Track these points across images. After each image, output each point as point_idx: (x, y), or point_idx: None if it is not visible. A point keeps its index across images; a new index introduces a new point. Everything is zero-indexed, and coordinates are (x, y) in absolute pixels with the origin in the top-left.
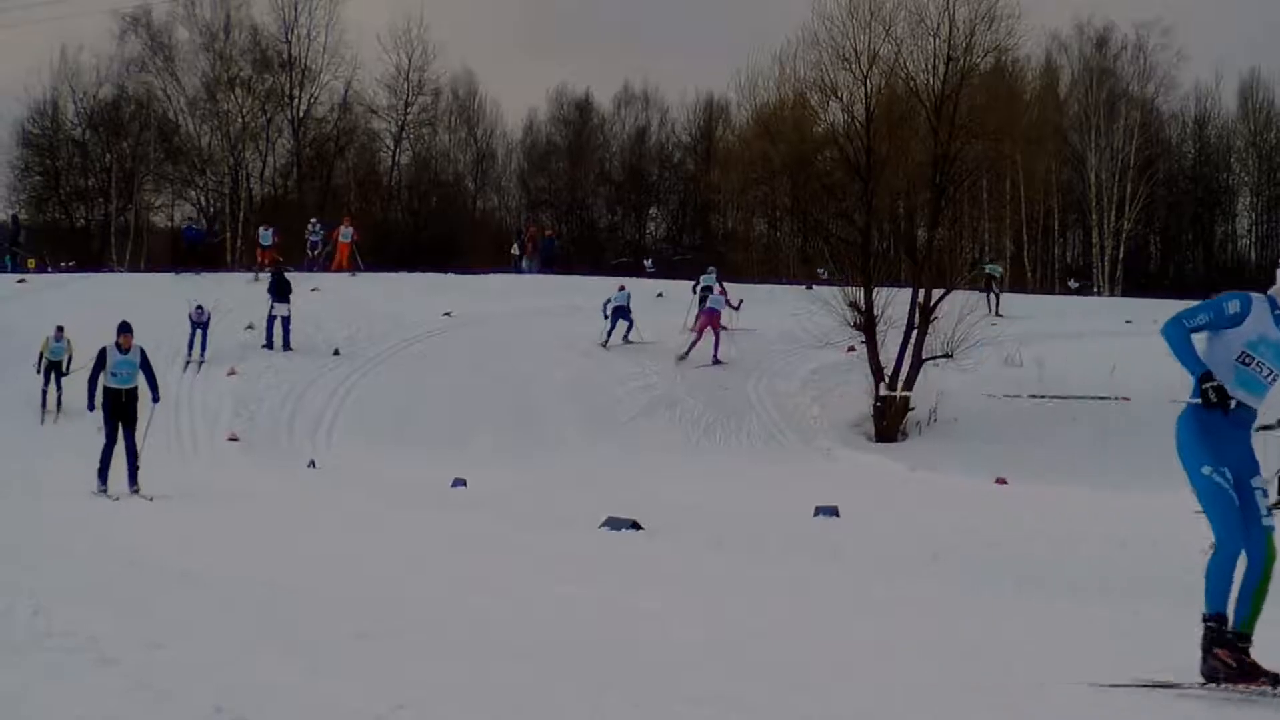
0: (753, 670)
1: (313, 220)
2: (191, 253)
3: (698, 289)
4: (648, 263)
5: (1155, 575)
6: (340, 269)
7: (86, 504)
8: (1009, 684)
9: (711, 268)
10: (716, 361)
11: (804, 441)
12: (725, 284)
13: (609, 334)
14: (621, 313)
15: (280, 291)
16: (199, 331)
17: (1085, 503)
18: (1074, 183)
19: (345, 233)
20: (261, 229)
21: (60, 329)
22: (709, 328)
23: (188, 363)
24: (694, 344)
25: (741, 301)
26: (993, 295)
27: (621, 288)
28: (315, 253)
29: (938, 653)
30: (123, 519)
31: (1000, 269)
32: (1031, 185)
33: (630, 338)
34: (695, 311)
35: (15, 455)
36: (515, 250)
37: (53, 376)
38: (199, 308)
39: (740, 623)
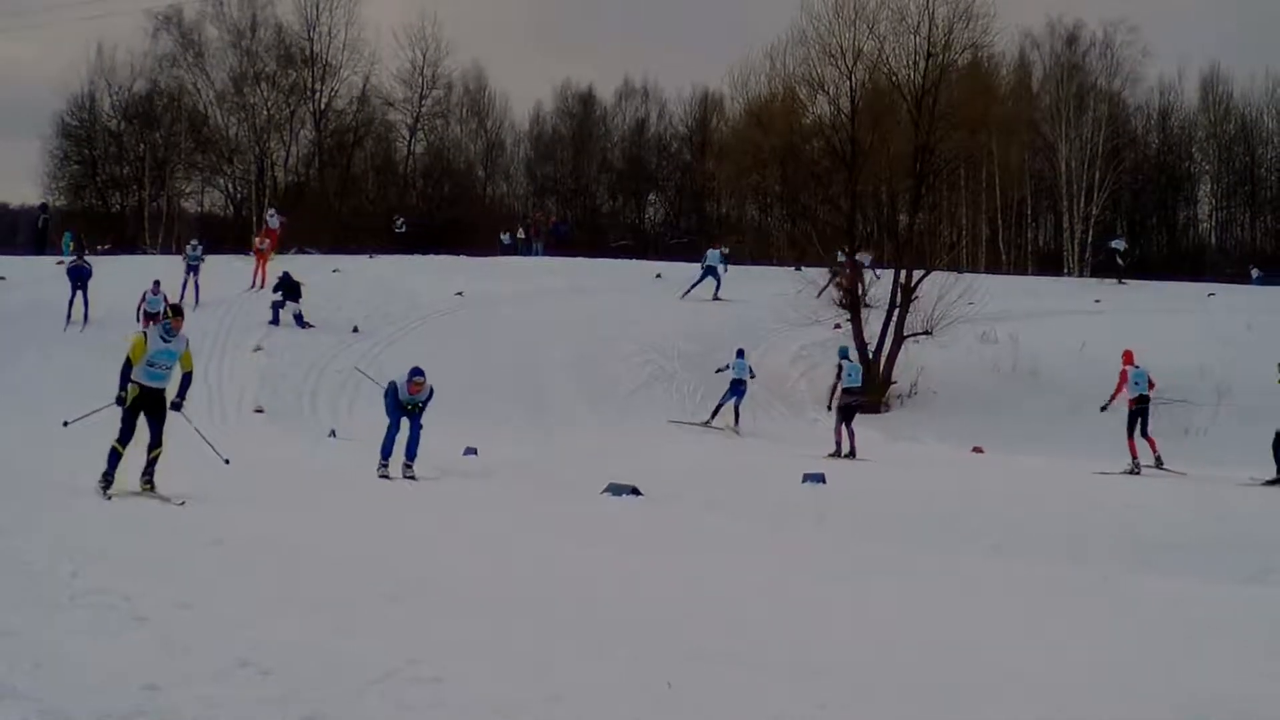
0: (746, 626)
1: (271, 210)
2: None
3: (704, 267)
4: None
5: (1120, 539)
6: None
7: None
8: (984, 640)
9: (720, 248)
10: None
11: (793, 413)
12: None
13: (693, 287)
14: (711, 271)
15: (290, 293)
16: (191, 274)
17: (1056, 470)
18: (1045, 171)
19: (272, 219)
20: (269, 213)
21: (156, 283)
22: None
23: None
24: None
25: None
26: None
27: (715, 246)
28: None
29: (917, 610)
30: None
31: (1124, 243)
32: (1006, 173)
33: (720, 295)
34: (695, 287)
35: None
36: (520, 235)
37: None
38: (194, 244)
39: (734, 581)
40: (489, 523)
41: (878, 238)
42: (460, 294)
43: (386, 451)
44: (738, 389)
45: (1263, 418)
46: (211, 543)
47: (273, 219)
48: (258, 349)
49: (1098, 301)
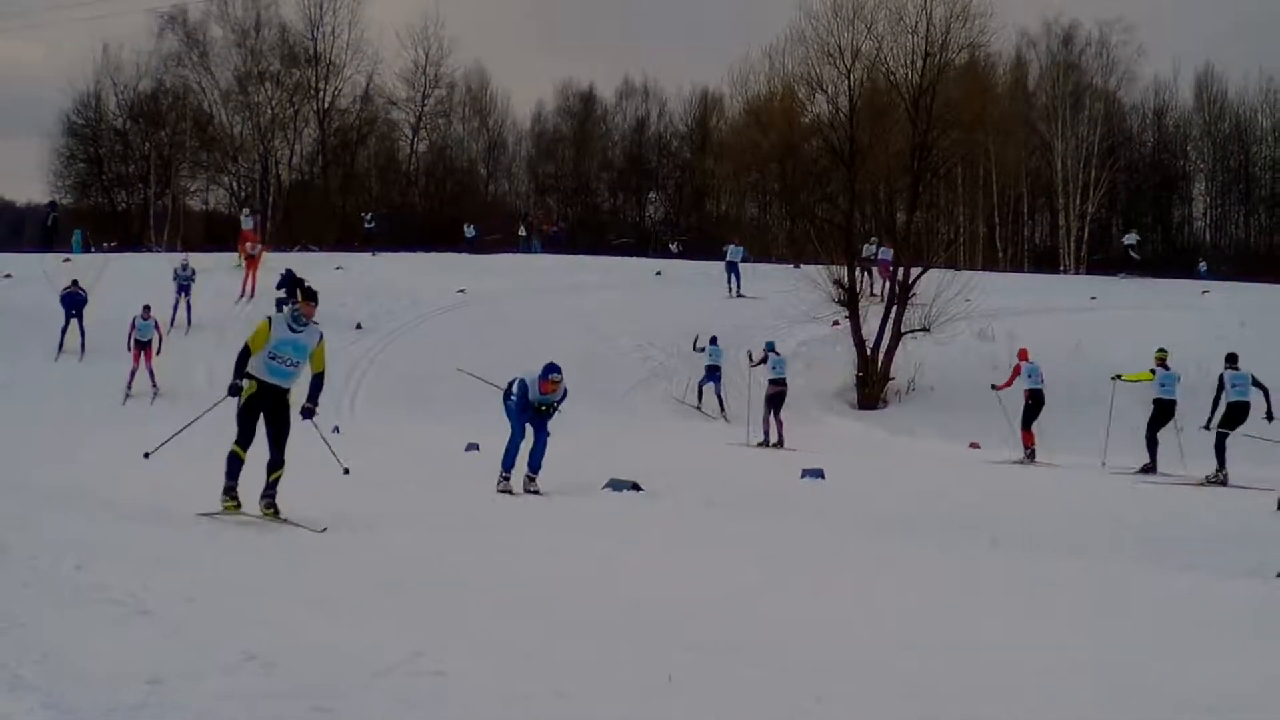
0: (746, 620)
1: (245, 210)
2: None
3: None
4: (675, 246)
5: (1119, 534)
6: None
7: (125, 469)
8: (983, 635)
9: (736, 245)
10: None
11: (792, 409)
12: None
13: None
14: (732, 268)
15: (294, 290)
16: (183, 294)
17: (1053, 467)
18: (1042, 169)
19: (246, 221)
20: (244, 214)
21: (147, 308)
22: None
23: (171, 327)
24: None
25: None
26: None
27: (737, 243)
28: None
29: (915, 605)
30: (158, 481)
31: (1138, 237)
32: (1003, 172)
33: (742, 292)
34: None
35: (69, 426)
36: (522, 232)
37: (141, 358)
38: (184, 263)
39: (734, 576)
40: (491, 517)
41: (876, 235)
42: (462, 291)
43: (509, 462)
44: (713, 374)
45: (1261, 410)
46: (210, 536)
47: (247, 220)
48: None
49: (1093, 299)
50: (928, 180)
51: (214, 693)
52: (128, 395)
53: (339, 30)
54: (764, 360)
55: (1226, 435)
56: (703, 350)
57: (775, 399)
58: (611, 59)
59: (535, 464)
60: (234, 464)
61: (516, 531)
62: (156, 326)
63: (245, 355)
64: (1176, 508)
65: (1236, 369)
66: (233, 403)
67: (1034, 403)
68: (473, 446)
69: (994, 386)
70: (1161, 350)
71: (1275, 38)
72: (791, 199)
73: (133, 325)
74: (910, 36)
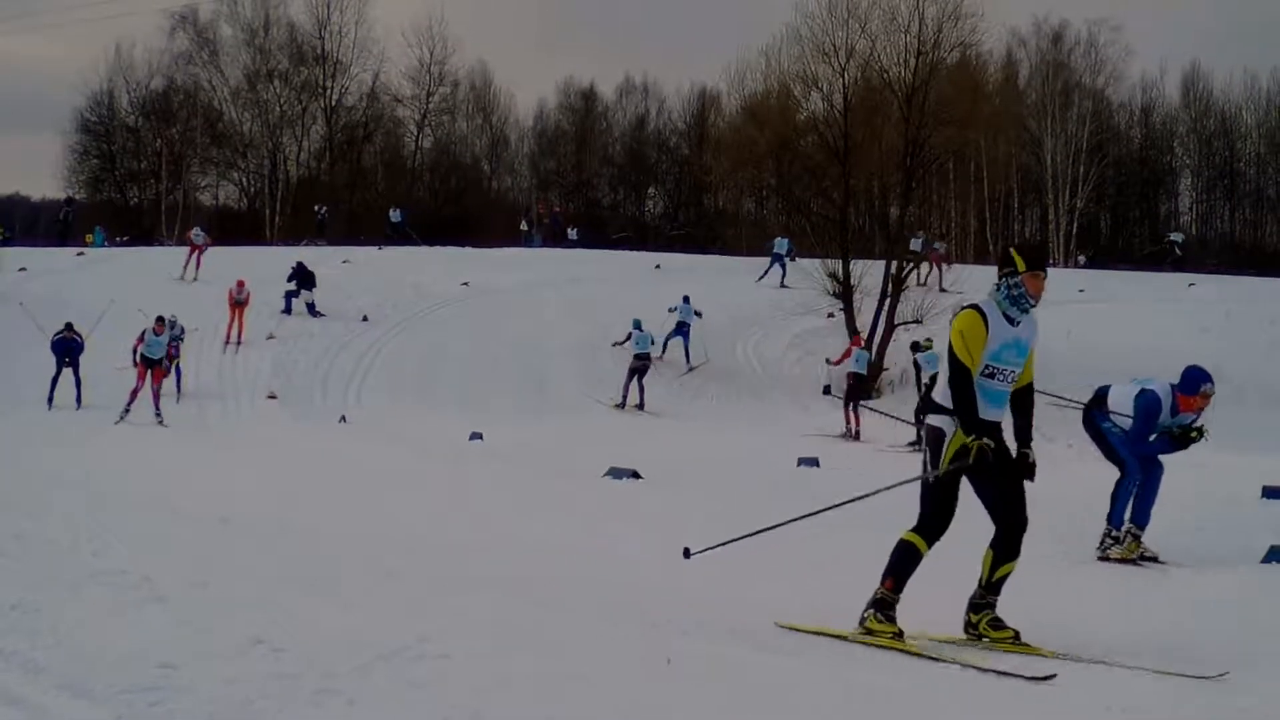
0: (744, 604)
1: (197, 229)
2: None
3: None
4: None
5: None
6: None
7: (138, 459)
8: (955, 614)
9: (783, 238)
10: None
11: (788, 399)
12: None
13: (766, 274)
14: (778, 259)
15: (305, 282)
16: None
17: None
18: (1032, 165)
19: (197, 235)
20: (194, 231)
21: (161, 321)
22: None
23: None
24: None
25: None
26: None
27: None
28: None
29: (911, 592)
30: (171, 469)
31: (1182, 235)
32: (993, 168)
33: (785, 283)
34: (767, 274)
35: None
36: (524, 227)
37: (148, 377)
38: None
39: (731, 561)
40: (495, 504)
41: (869, 230)
42: (466, 284)
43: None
44: (682, 329)
45: (1247, 400)
46: (221, 522)
47: (198, 236)
48: (270, 337)
49: (1082, 291)
50: (920, 176)
51: (224, 675)
52: (124, 416)
53: (346, 30)
54: (628, 338)
55: None
56: (674, 310)
57: (639, 370)
58: (612, 58)
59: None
60: (905, 568)
61: (519, 519)
62: (173, 347)
63: (960, 383)
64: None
65: None
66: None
67: (856, 384)
68: (476, 436)
69: (828, 360)
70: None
71: (1259, 37)
72: (787, 194)
73: (141, 338)
74: (903, 36)
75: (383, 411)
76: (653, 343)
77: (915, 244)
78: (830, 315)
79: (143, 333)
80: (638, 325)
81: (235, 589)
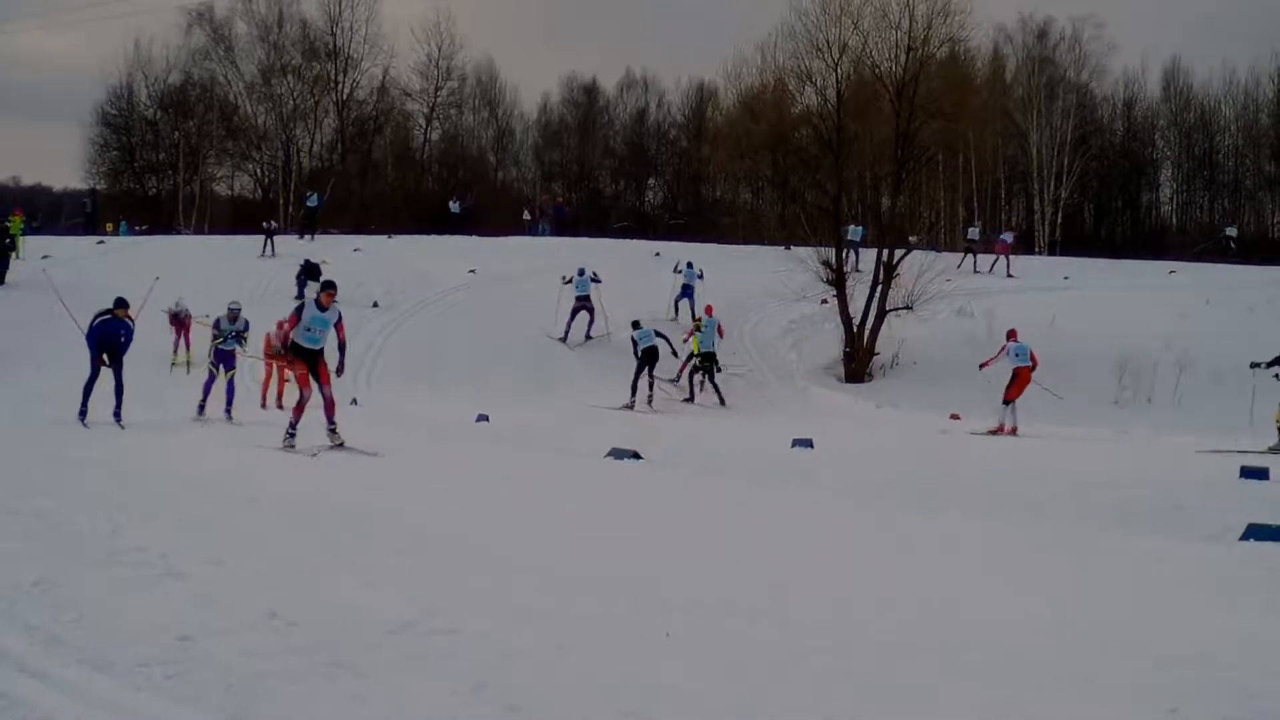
0: (740, 580)
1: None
2: None
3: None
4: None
5: (1086, 500)
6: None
7: (156, 437)
8: (957, 598)
9: (856, 225)
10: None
11: (783, 382)
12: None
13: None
14: (852, 245)
15: (311, 275)
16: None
17: (1027, 436)
18: (1018, 157)
19: (179, 306)
20: (178, 300)
21: (236, 310)
22: None
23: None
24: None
25: None
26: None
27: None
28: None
29: (897, 566)
30: (186, 450)
31: (1235, 230)
32: (981, 159)
33: (859, 267)
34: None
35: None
36: (527, 216)
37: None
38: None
39: (728, 539)
40: (500, 484)
41: (862, 219)
42: (473, 272)
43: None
44: (687, 291)
45: (1226, 384)
46: (246, 501)
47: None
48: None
49: (1066, 278)
50: (910, 167)
51: (239, 648)
52: (200, 414)
53: (357, 26)
54: (570, 280)
55: None
56: (679, 272)
57: (647, 364)
58: (613, 53)
59: None
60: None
61: (524, 498)
62: (238, 336)
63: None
64: (1143, 475)
65: None
66: None
67: (706, 362)
68: (483, 418)
69: (687, 335)
70: None
71: (1237, 33)
72: (782, 185)
73: (216, 329)
74: (894, 32)
75: (393, 394)
76: (657, 335)
77: (972, 233)
78: (824, 301)
79: (217, 322)
80: (636, 325)
81: (250, 566)
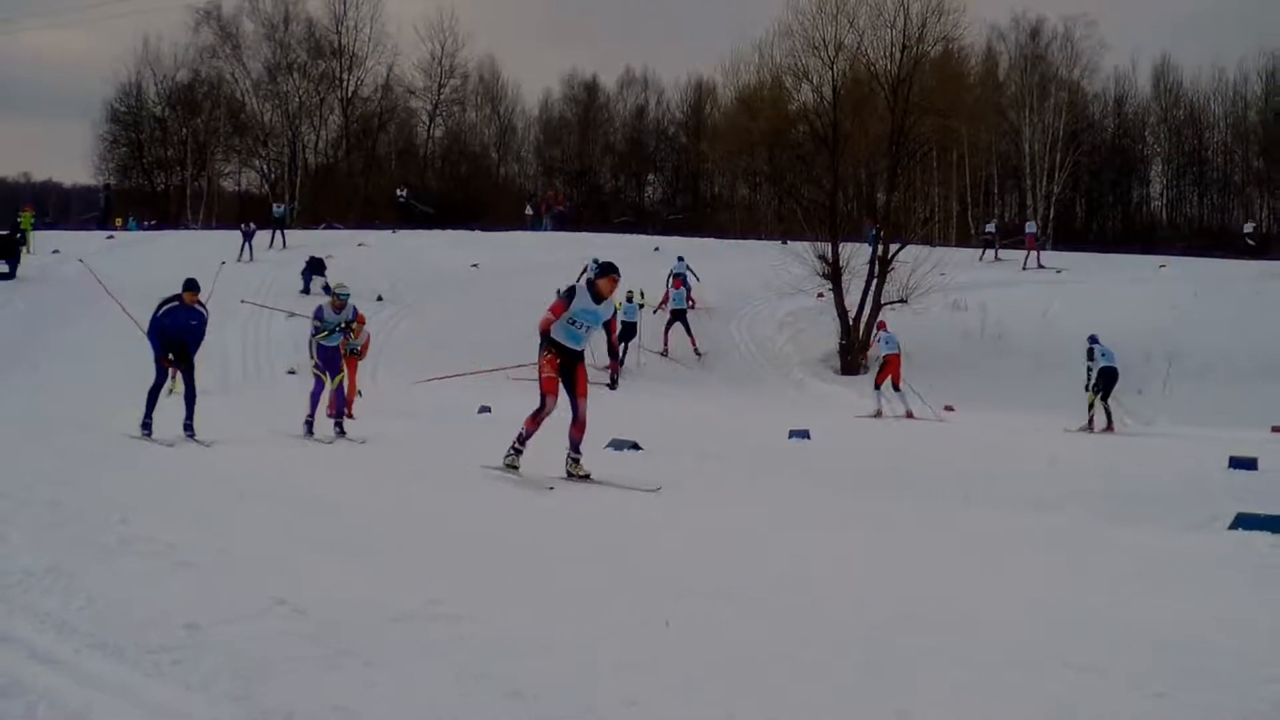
0: (736, 568)
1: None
2: None
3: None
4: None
5: (1078, 489)
6: None
7: (163, 429)
8: (948, 586)
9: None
10: None
11: (780, 375)
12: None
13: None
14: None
15: (316, 269)
16: (247, 242)
17: (1021, 426)
18: (1011, 153)
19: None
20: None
21: (343, 297)
22: None
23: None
24: None
25: None
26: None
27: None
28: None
29: (889, 555)
30: (195, 442)
31: (1254, 225)
32: (975, 155)
33: None
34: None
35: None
36: (529, 212)
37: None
38: (248, 223)
39: (725, 529)
40: (501, 475)
41: (857, 215)
42: (476, 266)
43: None
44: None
45: (1214, 375)
46: (240, 495)
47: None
48: (291, 315)
49: (1059, 272)
50: (905, 163)
51: (247, 635)
52: (309, 431)
53: (361, 24)
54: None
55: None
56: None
57: (625, 337)
58: (613, 51)
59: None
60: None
61: (526, 489)
62: (346, 328)
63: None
64: (1134, 466)
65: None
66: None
67: (624, 334)
68: (485, 409)
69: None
70: None
71: (1226, 31)
72: (779, 181)
73: (318, 320)
74: (889, 30)
75: (397, 385)
76: (641, 308)
77: (989, 227)
78: (820, 295)
79: (318, 311)
80: (629, 298)
81: (257, 553)
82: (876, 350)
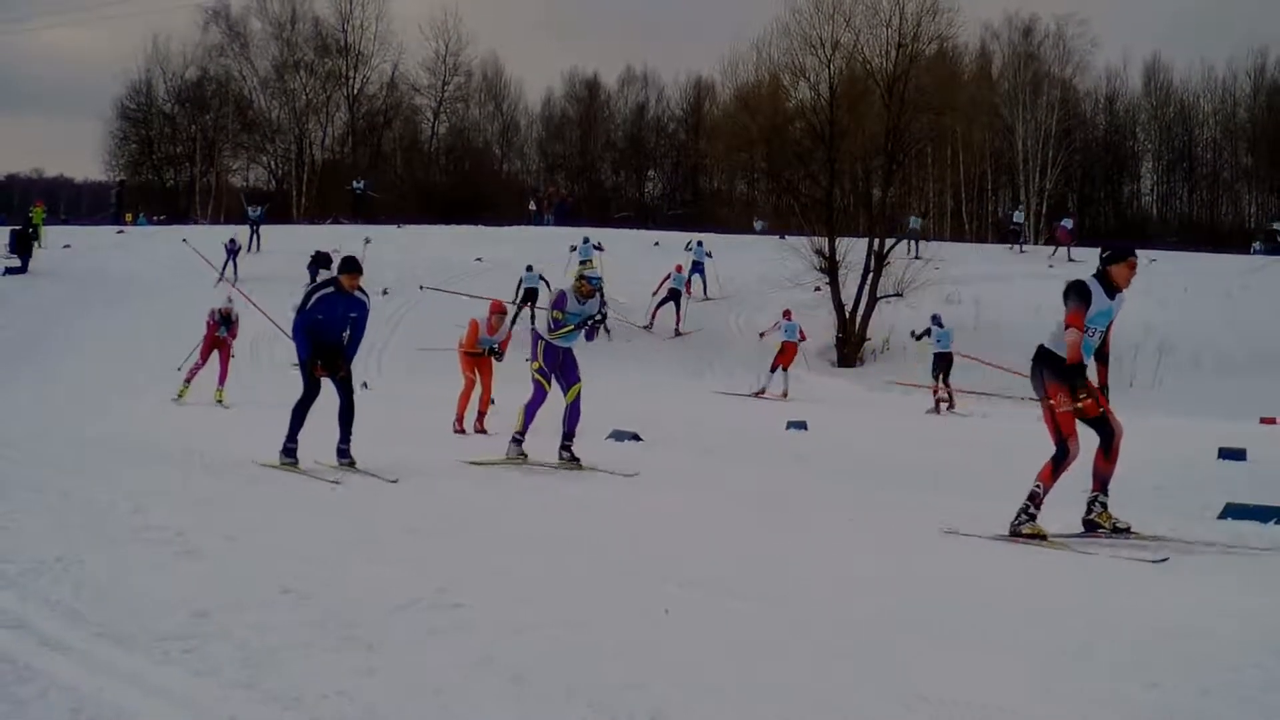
0: (736, 557)
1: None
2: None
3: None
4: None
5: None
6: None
7: (179, 423)
8: (941, 572)
9: (916, 216)
10: None
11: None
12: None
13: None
14: (913, 235)
15: (321, 263)
16: (231, 258)
17: (1011, 416)
18: (1004, 150)
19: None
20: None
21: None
22: None
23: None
24: None
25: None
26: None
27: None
28: None
29: (882, 543)
30: (206, 431)
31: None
32: (969, 152)
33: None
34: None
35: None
36: (532, 206)
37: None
38: (233, 240)
39: (723, 518)
40: (505, 467)
41: (853, 210)
42: (480, 259)
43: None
44: (698, 268)
45: (1203, 368)
46: (249, 482)
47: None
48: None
49: (1051, 266)
50: (900, 159)
51: (254, 623)
52: (517, 451)
53: (367, 23)
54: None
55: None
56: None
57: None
58: (614, 49)
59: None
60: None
61: (528, 479)
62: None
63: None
64: (1124, 456)
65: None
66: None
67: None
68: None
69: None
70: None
71: (1215, 31)
72: (777, 177)
73: (559, 309)
74: (885, 29)
75: (402, 377)
76: (541, 278)
77: (1018, 217)
78: (817, 289)
79: (560, 298)
80: (528, 268)
81: (264, 542)
82: (777, 336)
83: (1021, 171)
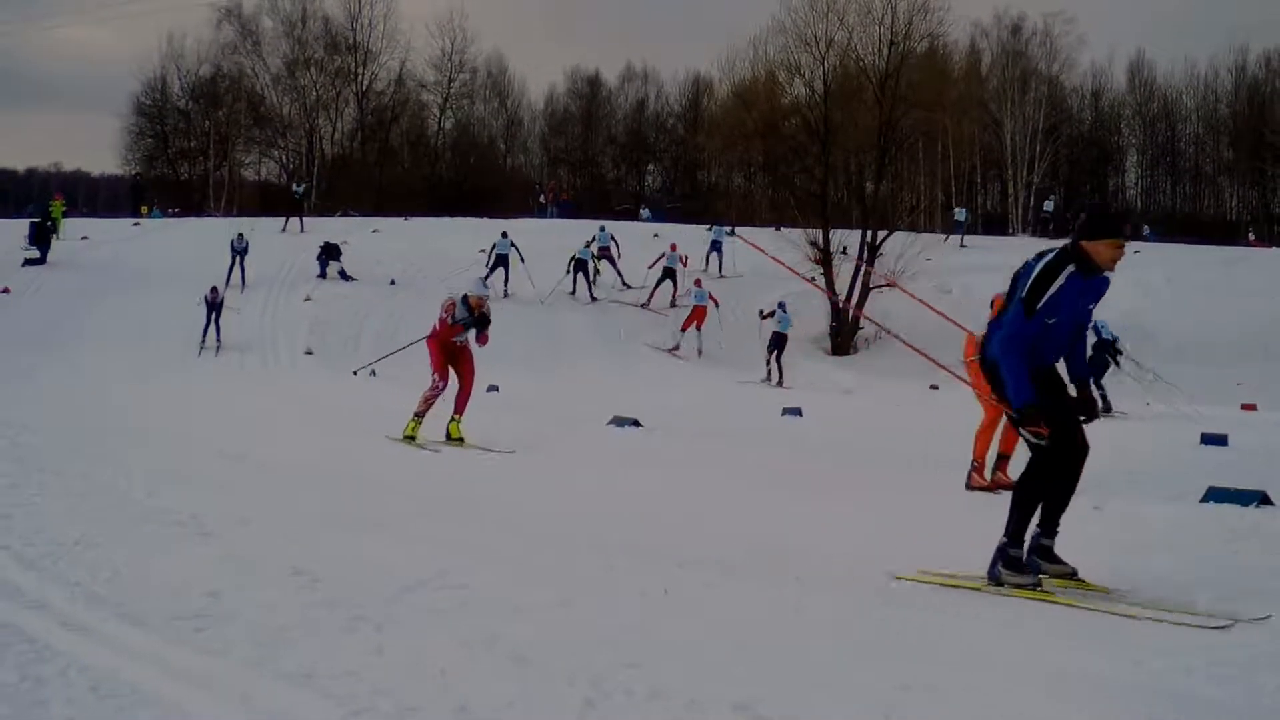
0: (733, 538)
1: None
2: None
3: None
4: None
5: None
6: None
7: (192, 412)
8: (934, 556)
9: (960, 207)
10: None
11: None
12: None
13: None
14: (959, 225)
15: (331, 254)
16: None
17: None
18: (993, 144)
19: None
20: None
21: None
22: None
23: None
24: None
25: None
26: None
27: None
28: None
29: (877, 526)
30: (220, 418)
31: None
32: (958, 147)
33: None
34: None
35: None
36: (542, 200)
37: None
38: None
39: (722, 500)
40: (506, 450)
41: (847, 203)
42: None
43: None
44: (716, 246)
45: (1186, 357)
46: (261, 468)
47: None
48: (307, 299)
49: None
50: (893, 154)
51: (265, 603)
52: None
53: (375, 22)
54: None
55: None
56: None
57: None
58: (615, 47)
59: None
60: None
61: (531, 464)
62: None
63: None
64: (1109, 442)
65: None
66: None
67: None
68: (493, 388)
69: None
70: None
71: (1198, 29)
72: (773, 171)
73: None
74: (877, 27)
75: (409, 366)
76: (513, 245)
77: (1048, 205)
78: (812, 280)
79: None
80: (503, 234)
81: (275, 526)
82: (689, 300)
83: (1010, 166)
